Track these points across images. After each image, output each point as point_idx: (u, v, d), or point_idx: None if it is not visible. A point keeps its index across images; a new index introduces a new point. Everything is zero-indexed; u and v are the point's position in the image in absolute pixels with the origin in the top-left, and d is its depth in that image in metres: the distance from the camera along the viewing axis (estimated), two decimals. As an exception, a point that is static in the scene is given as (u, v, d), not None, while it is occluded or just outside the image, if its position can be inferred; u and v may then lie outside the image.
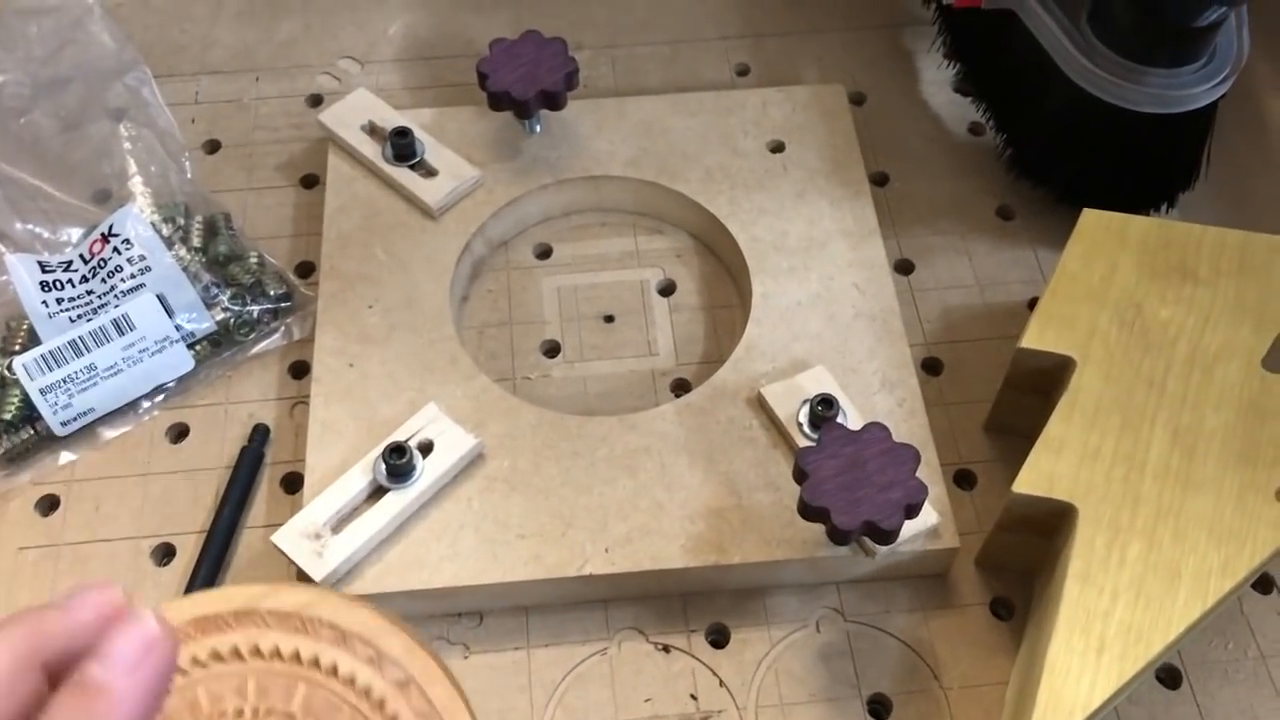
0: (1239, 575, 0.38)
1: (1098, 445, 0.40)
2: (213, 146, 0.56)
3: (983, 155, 0.56)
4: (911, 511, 0.39)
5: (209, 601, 0.28)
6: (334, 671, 0.27)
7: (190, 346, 0.48)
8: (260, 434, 0.47)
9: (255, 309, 0.49)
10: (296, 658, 0.27)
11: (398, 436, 0.43)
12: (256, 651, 0.27)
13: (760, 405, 0.45)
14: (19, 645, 0.23)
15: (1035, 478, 0.40)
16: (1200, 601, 0.37)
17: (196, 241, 0.50)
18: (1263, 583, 0.44)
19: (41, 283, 0.47)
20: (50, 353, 0.45)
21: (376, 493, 0.43)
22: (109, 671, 0.22)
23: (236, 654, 0.27)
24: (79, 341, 0.46)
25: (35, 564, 0.44)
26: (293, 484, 0.46)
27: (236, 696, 0.27)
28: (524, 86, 0.50)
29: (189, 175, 0.52)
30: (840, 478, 0.39)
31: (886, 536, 0.39)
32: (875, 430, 0.40)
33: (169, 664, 0.23)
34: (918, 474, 0.39)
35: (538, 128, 0.53)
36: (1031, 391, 0.45)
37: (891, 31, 0.61)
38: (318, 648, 0.27)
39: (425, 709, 0.27)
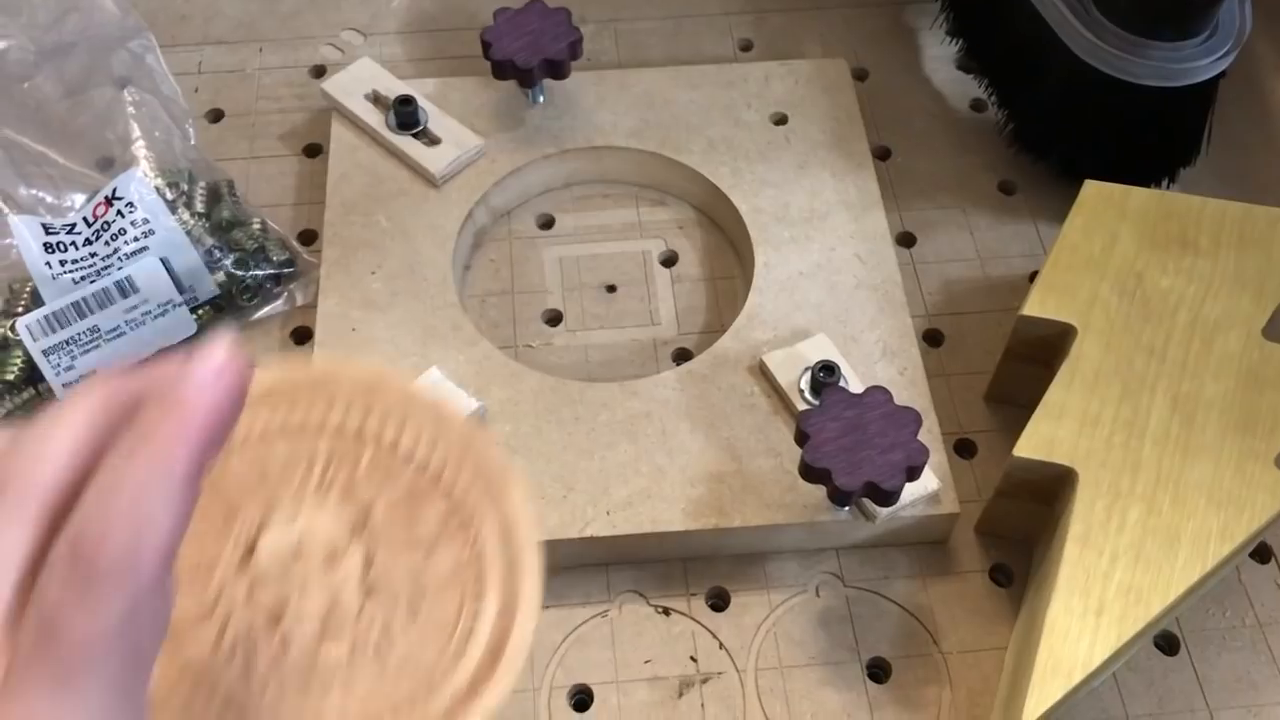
0: (1237, 539, 0.38)
1: (1098, 411, 0.41)
2: (216, 116, 0.56)
3: (984, 131, 0.56)
4: (913, 473, 0.39)
5: (279, 375, 0.29)
6: (395, 445, 0.28)
7: (193, 311, 0.48)
8: (262, 398, 0.47)
9: (258, 274, 0.49)
10: (360, 432, 0.28)
11: (400, 399, 0.43)
12: (323, 425, 0.28)
13: (762, 372, 0.46)
14: (100, 390, 0.24)
15: (1036, 442, 0.40)
16: (1199, 564, 0.38)
17: (200, 206, 0.50)
18: (1260, 552, 0.44)
19: (45, 244, 0.47)
20: (53, 314, 0.45)
21: (379, 455, 0.43)
22: (181, 387, 0.24)
23: (304, 427, 0.28)
24: (82, 304, 0.46)
25: (37, 524, 0.44)
26: (294, 448, 0.46)
27: (304, 465, 0.28)
28: (528, 55, 0.50)
29: (192, 142, 0.52)
30: (842, 439, 0.39)
31: (887, 498, 0.39)
32: (877, 393, 0.40)
33: (240, 389, 0.24)
34: (919, 439, 0.39)
35: (541, 98, 0.53)
36: (1032, 361, 0.45)
37: (894, 8, 0.61)
38: (382, 422, 0.28)
39: (479, 481, 0.28)
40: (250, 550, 0.27)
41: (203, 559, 0.27)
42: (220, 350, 0.24)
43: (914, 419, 0.39)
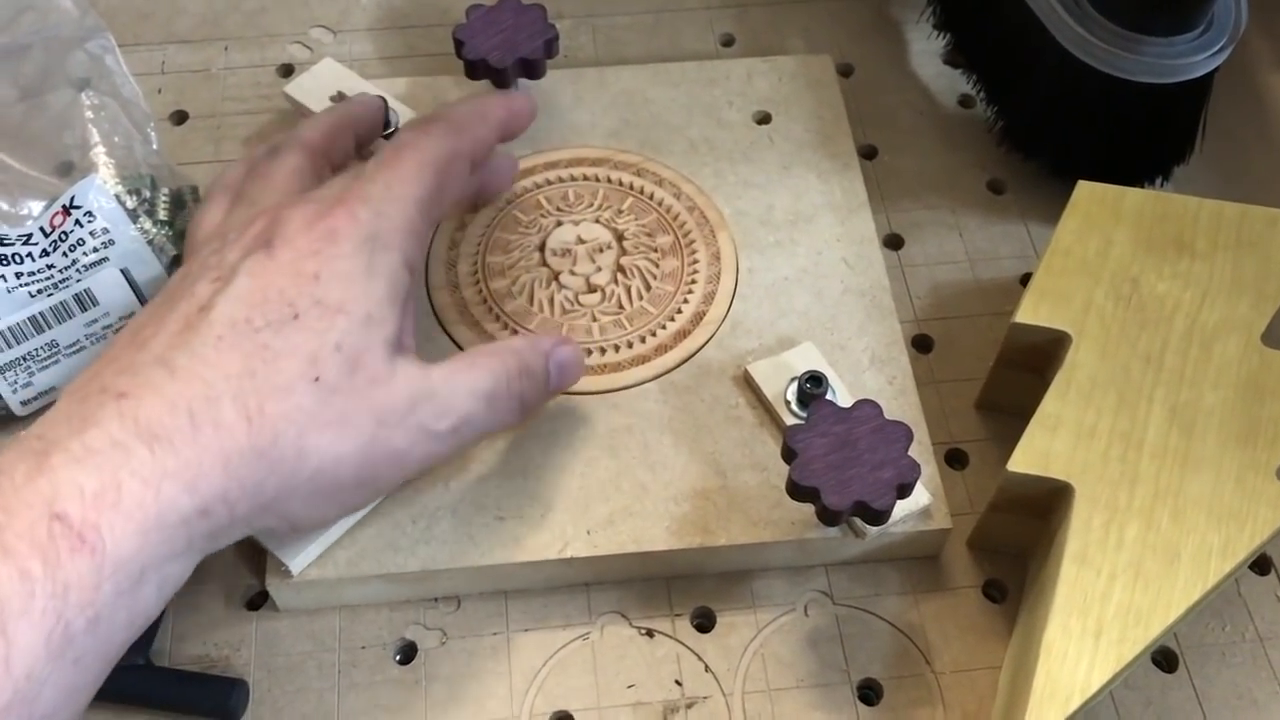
0: (1239, 556, 0.37)
1: (1094, 423, 0.39)
2: (180, 118, 0.54)
3: (973, 128, 0.54)
4: (903, 491, 0.38)
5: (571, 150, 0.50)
6: (652, 196, 0.48)
7: (156, 323, 0.46)
8: (229, 413, 0.45)
9: (224, 284, 0.47)
10: (630, 185, 0.49)
11: (372, 415, 0.42)
12: (606, 178, 0.49)
13: (747, 383, 0.44)
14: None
15: (1030, 456, 0.39)
16: (1200, 583, 0.36)
17: (163, 215, 0.48)
18: (1260, 564, 0.43)
19: (0, 256, 0.45)
20: (9, 329, 0.44)
21: (350, 474, 0.41)
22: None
23: (594, 177, 0.49)
24: (39, 318, 0.44)
25: (-6, 549, 0.42)
26: (263, 465, 0.44)
27: (589, 196, 0.48)
28: (502, 54, 0.48)
29: (155, 147, 0.50)
30: (830, 456, 0.38)
31: (878, 517, 0.38)
32: (866, 408, 0.39)
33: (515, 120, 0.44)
34: (910, 454, 0.38)
35: (516, 98, 0.52)
36: (1025, 368, 0.43)
37: (879, 1, 0.59)
38: (642, 181, 0.49)
39: (701, 225, 0.48)
40: (543, 241, 0.47)
41: (510, 241, 0.47)
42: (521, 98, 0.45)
43: (904, 434, 0.38)
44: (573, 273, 0.47)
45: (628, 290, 0.46)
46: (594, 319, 0.46)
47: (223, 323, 0.33)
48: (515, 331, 0.45)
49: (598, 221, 0.48)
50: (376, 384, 0.34)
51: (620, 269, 0.47)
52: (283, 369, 0.33)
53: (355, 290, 0.35)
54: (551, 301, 0.46)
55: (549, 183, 0.49)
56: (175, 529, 0.31)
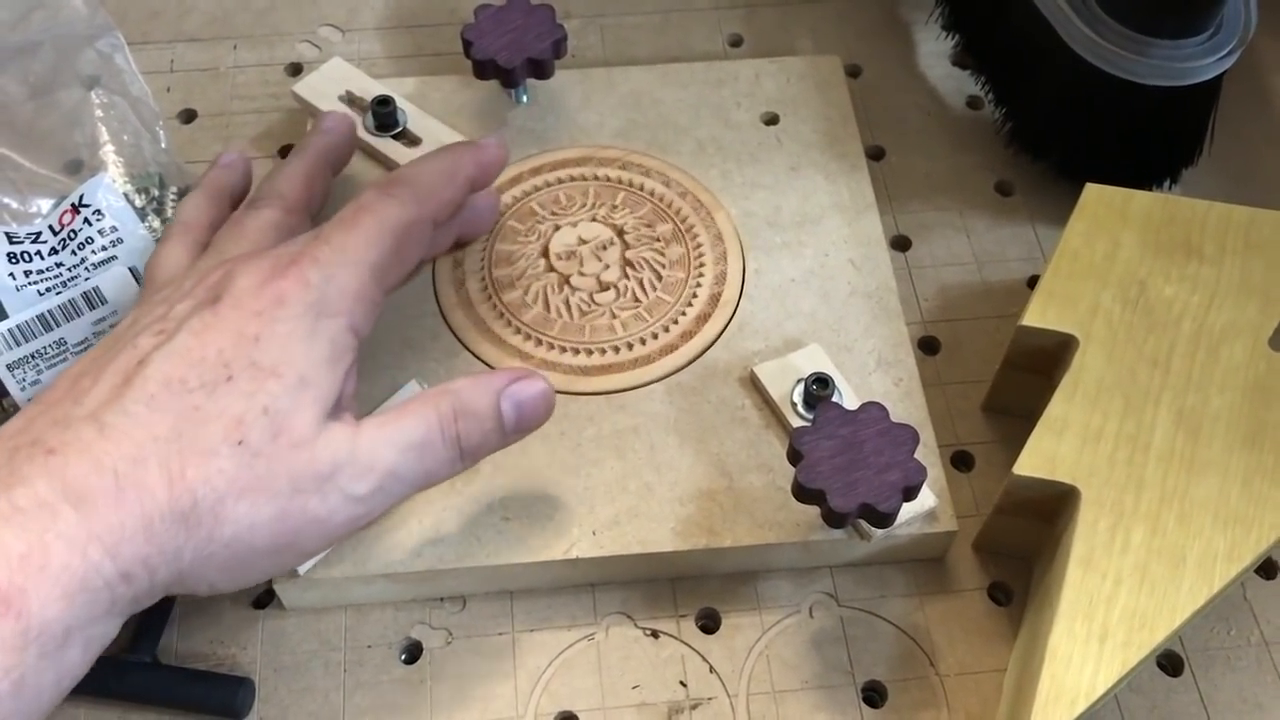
0: (1245, 560, 0.37)
1: (1100, 426, 0.39)
2: (188, 116, 0.55)
3: (981, 129, 0.54)
4: (910, 494, 0.38)
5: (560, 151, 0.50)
6: (642, 187, 0.49)
7: (164, 321, 0.46)
8: (236, 412, 0.45)
9: (231, 283, 0.47)
10: (619, 180, 0.49)
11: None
12: (595, 176, 0.49)
13: (753, 384, 0.44)
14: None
15: (1036, 460, 0.39)
16: (1206, 587, 0.36)
17: (171, 213, 0.48)
18: (1266, 568, 0.43)
19: (9, 254, 0.45)
20: (18, 327, 0.44)
21: (356, 473, 0.41)
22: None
23: (580, 177, 0.49)
24: (48, 316, 0.44)
25: (2, 546, 0.43)
26: (270, 464, 0.45)
27: (580, 196, 0.48)
28: (510, 54, 0.48)
29: (163, 145, 0.50)
30: (836, 459, 0.38)
31: (884, 519, 0.38)
32: (873, 410, 0.39)
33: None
34: (916, 457, 0.38)
35: (524, 98, 0.52)
36: (1031, 371, 0.43)
37: (888, 2, 0.59)
38: (629, 175, 0.49)
39: (697, 209, 0.48)
40: (545, 247, 0.47)
41: (513, 253, 0.47)
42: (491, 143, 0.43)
43: (911, 437, 0.38)
44: (581, 273, 0.47)
45: (640, 283, 0.46)
46: (613, 315, 0.46)
47: (157, 380, 0.33)
48: (539, 341, 0.45)
49: (594, 220, 0.48)
50: (299, 448, 0.34)
51: (628, 263, 0.47)
52: (209, 432, 0.33)
53: (293, 353, 0.34)
54: (568, 305, 0.46)
55: (536, 189, 0.49)
56: (99, 592, 0.31)
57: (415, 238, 0.39)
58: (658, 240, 0.48)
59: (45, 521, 0.30)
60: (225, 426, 0.33)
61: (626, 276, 0.47)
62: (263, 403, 0.33)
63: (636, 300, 0.46)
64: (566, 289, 0.47)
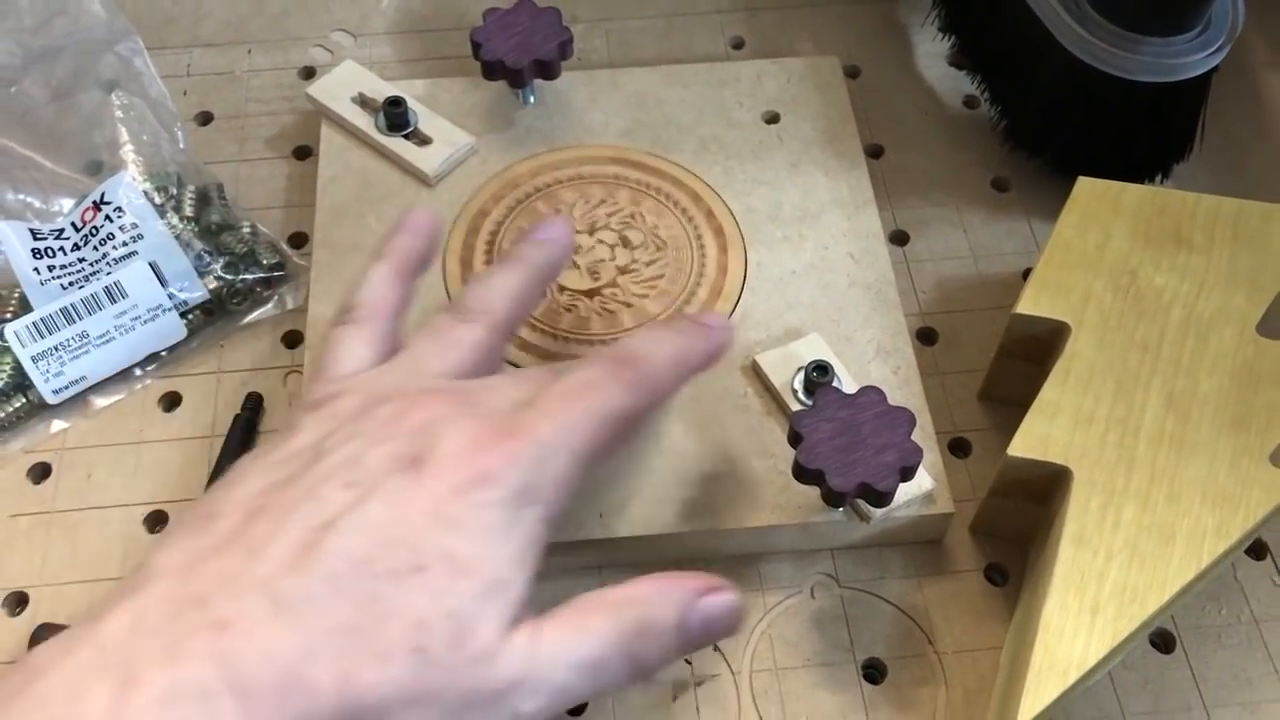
0: (1233, 537, 0.38)
1: (1092, 409, 0.40)
2: (205, 119, 0.56)
3: (978, 127, 0.56)
4: (907, 474, 0.39)
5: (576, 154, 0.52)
6: (647, 185, 0.50)
7: (183, 315, 0.47)
8: (253, 402, 0.46)
9: (248, 278, 0.49)
10: (625, 177, 0.51)
11: (391, 403, 0.43)
12: (600, 174, 0.51)
13: (755, 373, 0.45)
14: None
15: (1030, 441, 0.40)
16: (1194, 563, 0.38)
17: (189, 210, 0.50)
18: (1256, 549, 0.44)
19: (33, 250, 0.47)
20: (42, 320, 0.45)
21: (370, 459, 0.43)
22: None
23: (586, 175, 0.51)
24: (71, 309, 0.46)
25: (28, 531, 0.44)
26: (286, 452, 0.46)
27: (586, 193, 0.50)
28: (518, 55, 0.50)
29: (181, 145, 0.52)
30: (835, 440, 0.39)
31: (881, 499, 0.39)
32: (870, 394, 0.40)
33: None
34: (913, 439, 0.39)
35: (531, 98, 0.53)
36: (1025, 359, 0.45)
37: (886, 4, 0.60)
38: (636, 172, 0.51)
39: (696, 200, 0.50)
40: None
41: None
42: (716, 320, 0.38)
43: (908, 419, 0.39)
44: (589, 268, 0.48)
45: (645, 276, 0.48)
46: (620, 307, 0.47)
47: (342, 558, 0.30)
48: (546, 333, 0.46)
49: (600, 215, 0.50)
50: (478, 662, 0.30)
51: (633, 257, 0.49)
52: (388, 631, 0.29)
53: (490, 549, 0.31)
54: (575, 298, 0.47)
55: (541, 188, 0.51)
56: None
57: (634, 428, 0.35)
58: (661, 235, 0.49)
59: (204, 714, 0.28)
60: (405, 628, 0.29)
61: (632, 270, 0.48)
62: (450, 605, 0.30)
63: (642, 293, 0.47)
64: (574, 282, 0.48)
